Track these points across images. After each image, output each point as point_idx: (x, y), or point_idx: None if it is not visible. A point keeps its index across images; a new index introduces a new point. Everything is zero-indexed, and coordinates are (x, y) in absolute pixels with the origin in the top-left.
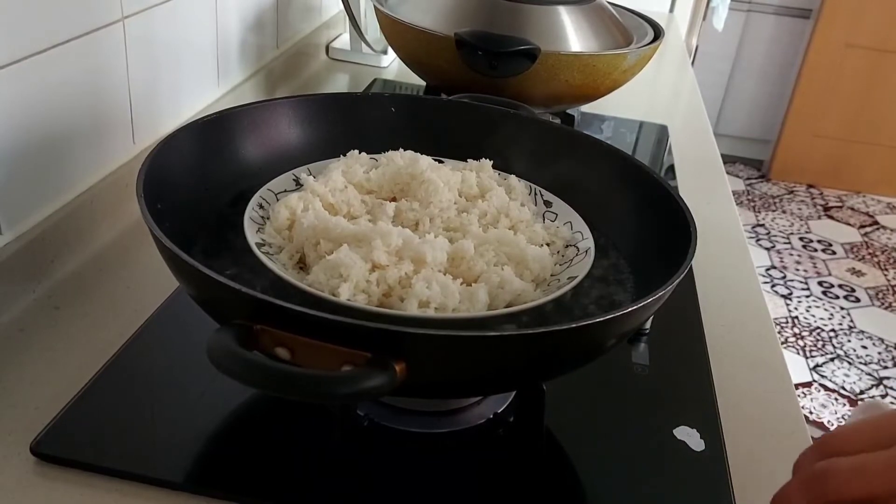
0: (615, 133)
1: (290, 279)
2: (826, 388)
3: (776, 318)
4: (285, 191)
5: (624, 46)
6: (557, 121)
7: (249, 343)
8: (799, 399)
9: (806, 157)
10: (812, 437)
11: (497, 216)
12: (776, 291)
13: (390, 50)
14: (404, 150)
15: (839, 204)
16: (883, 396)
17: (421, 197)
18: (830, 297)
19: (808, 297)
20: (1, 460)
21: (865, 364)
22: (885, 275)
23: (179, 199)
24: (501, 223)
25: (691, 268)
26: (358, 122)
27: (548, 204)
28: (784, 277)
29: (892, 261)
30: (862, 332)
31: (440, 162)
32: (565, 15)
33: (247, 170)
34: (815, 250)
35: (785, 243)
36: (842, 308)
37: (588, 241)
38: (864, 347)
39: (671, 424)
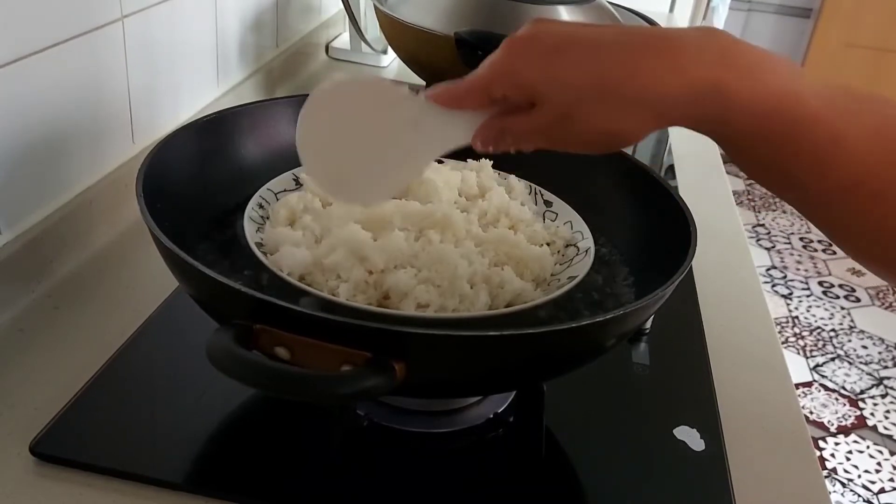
0: None
1: (290, 279)
2: (826, 387)
3: (776, 318)
4: (285, 190)
5: None
6: None
7: (249, 343)
8: (799, 399)
9: None
10: (812, 437)
11: (497, 216)
12: (776, 291)
13: (390, 50)
14: None
15: None
16: (883, 396)
17: (421, 197)
18: (831, 297)
19: (808, 296)
20: (1, 460)
21: (866, 364)
22: None
23: (179, 199)
24: (501, 223)
25: (691, 268)
26: None
27: (548, 203)
28: (784, 277)
29: None
30: (862, 331)
31: (440, 162)
32: (565, 15)
33: (247, 170)
34: (816, 250)
35: (785, 243)
36: (842, 308)
37: (588, 241)
38: (865, 347)
39: (671, 424)
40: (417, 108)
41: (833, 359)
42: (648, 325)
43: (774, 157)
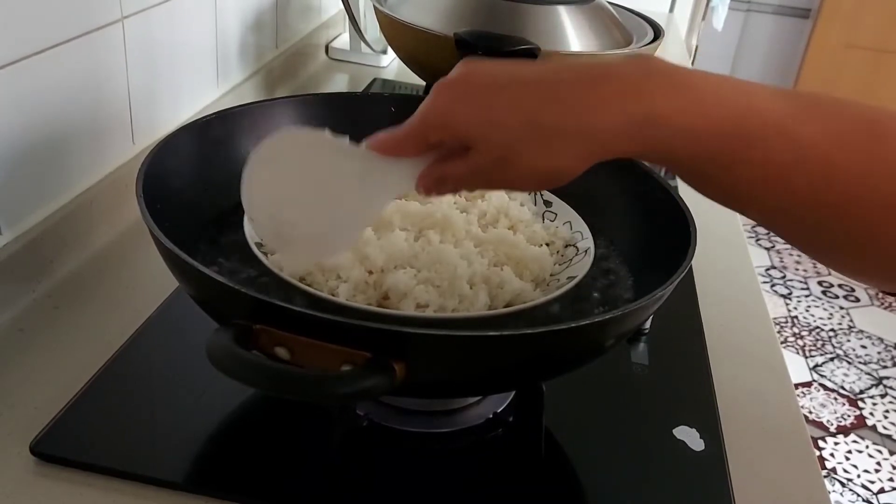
0: None
1: (290, 279)
2: (825, 387)
3: (776, 318)
4: None
5: (624, 46)
6: None
7: (249, 343)
8: (798, 399)
9: None
10: (812, 437)
11: (496, 216)
12: (776, 291)
13: (390, 50)
14: None
15: None
16: (882, 396)
17: (420, 197)
18: (830, 297)
19: (807, 296)
20: (1, 460)
21: (865, 364)
22: None
23: (179, 199)
24: (501, 223)
25: (691, 268)
26: (357, 121)
27: (547, 204)
28: (784, 277)
29: None
30: (861, 331)
31: None
32: (565, 15)
33: None
34: None
35: (784, 243)
36: (841, 308)
37: (587, 241)
38: (864, 347)
39: (671, 424)
40: (360, 158)
41: (832, 359)
42: (648, 325)
43: (723, 176)
